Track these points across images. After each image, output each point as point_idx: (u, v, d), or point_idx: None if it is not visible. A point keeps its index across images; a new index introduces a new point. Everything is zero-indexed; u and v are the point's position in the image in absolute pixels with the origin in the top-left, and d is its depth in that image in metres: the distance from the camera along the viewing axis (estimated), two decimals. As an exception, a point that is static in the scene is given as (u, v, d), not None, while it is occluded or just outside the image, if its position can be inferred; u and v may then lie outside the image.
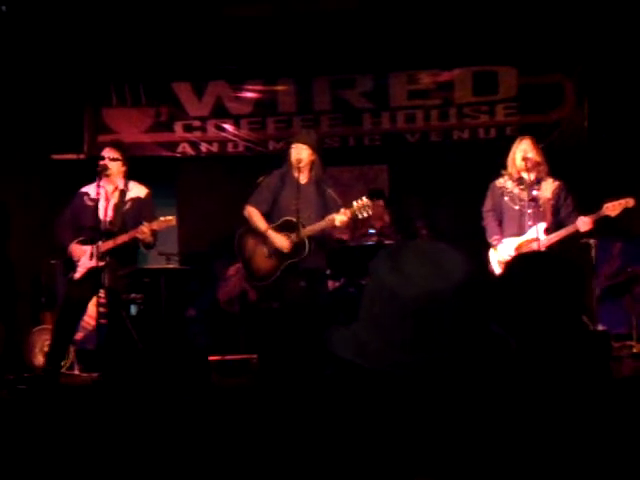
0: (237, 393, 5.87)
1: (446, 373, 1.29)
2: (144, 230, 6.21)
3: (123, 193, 6.48)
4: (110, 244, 6.28)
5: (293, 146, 6.42)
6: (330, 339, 1.39)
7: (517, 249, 6.24)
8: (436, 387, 1.30)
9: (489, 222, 6.54)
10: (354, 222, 6.75)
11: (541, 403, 1.89)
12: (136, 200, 6.51)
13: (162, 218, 6.30)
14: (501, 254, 6.33)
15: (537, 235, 6.20)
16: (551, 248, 6.20)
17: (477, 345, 1.31)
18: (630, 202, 6.20)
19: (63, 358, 6.75)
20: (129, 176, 6.60)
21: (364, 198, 6.25)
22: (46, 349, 7.36)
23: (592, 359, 2.15)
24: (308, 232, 6.21)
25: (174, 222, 6.36)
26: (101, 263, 6.22)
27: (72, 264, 6.43)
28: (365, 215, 6.26)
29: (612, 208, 6.18)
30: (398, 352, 1.30)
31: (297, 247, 6.27)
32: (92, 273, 6.28)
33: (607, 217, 6.21)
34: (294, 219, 6.25)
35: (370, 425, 1.35)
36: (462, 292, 1.30)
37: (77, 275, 6.39)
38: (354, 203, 6.17)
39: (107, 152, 6.47)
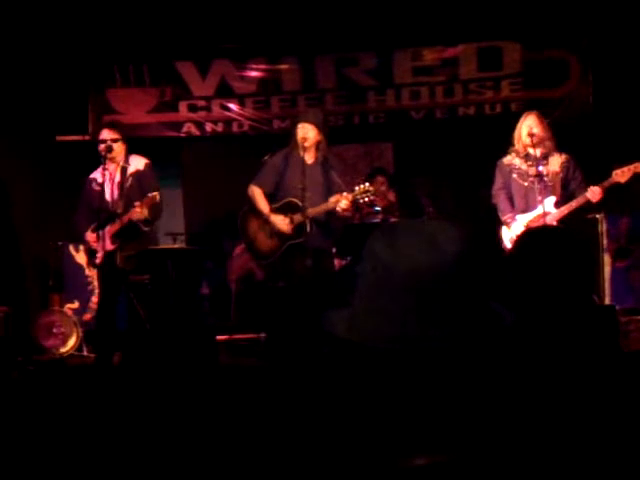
0: (245, 373, 5.89)
1: (440, 348, 1.30)
2: (137, 211, 6.26)
3: (124, 170, 6.50)
4: (116, 226, 6.37)
5: (299, 125, 6.41)
6: (326, 318, 1.40)
7: (528, 225, 6.22)
8: (431, 362, 1.31)
9: (501, 200, 6.47)
10: (356, 206, 6.73)
11: (544, 378, 1.90)
12: (136, 174, 6.53)
13: (149, 195, 6.29)
14: (514, 231, 6.29)
15: (547, 209, 6.19)
16: (561, 222, 6.19)
17: (472, 320, 1.31)
18: (639, 166, 6.14)
19: (111, 344, 6.46)
20: (130, 151, 6.63)
21: (366, 183, 6.27)
22: (55, 330, 7.43)
23: (600, 334, 2.16)
24: (310, 214, 6.22)
25: (158, 197, 6.36)
26: (112, 246, 6.38)
27: (93, 252, 6.54)
28: (366, 200, 6.27)
29: (621, 174, 6.12)
30: (392, 327, 1.31)
31: (299, 228, 6.29)
32: (109, 256, 6.41)
33: (617, 184, 6.15)
34: (296, 200, 6.26)
35: (368, 403, 1.36)
36: (457, 267, 1.31)
37: (98, 261, 6.50)
38: (355, 188, 6.18)
39: (107, 134, 6.49)
